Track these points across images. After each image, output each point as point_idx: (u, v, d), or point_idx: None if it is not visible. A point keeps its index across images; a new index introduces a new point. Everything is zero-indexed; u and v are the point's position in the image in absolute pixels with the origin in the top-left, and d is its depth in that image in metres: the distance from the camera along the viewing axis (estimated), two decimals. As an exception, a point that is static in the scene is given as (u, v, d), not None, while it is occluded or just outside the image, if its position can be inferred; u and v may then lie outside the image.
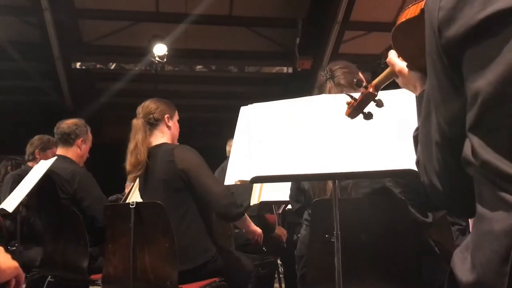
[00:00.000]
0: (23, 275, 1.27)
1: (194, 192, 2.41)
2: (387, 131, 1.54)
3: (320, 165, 1.56)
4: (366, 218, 1.67)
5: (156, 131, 2.57)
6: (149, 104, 2.61)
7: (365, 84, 1.30)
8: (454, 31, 0.71)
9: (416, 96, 1.07)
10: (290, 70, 9.39)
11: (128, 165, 2.49)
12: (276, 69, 9.70)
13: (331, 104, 1.66)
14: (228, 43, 9.22)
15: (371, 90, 1.28)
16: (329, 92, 1.94)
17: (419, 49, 0.91)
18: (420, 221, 1.71)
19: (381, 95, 1.61)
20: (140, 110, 2.61)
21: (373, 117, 1.32)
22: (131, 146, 2.50)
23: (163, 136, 2.57)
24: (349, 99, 1.36)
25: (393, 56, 1.14)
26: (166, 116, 2.59)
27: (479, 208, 0.70)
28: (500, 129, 0.67)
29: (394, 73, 1.17)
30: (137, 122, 2.55)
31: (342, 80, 1.96)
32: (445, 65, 0.75)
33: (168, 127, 2.60)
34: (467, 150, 0.72)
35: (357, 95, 1.35)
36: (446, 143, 0.79)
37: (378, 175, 1.67)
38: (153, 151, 2.50)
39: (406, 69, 1.10)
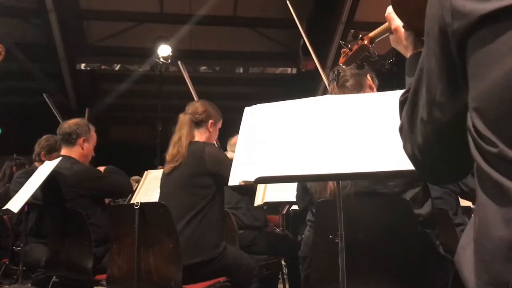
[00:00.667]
0: None
1: (218, 189, 2.51)
2: (392, 131, 1.53)
3: (324, 166, 1.56)
4: (369, 218, 1.67)
5: (197, 131, 2.68)
6: (198, 106, 2.73)
7: (361, 36, 1.32)
8: (466, 17, 0.70)
9: (407, 59, 1.09)
10: (294, 70, 9.39)
11: (168, 155, 2.61)
12: (280, 70, 9.71)
13: (335, 105, 1.65)
14: (232, 44, 9.24)
15: (366, 42, 1.31)
16: (331, 94, 1.94)
17: (417, 12, 0.92)
18: (426, 222, 1.71)
19: (388, 95, 1.61)
20: (188, 107, 2.74)
21: (364, 67, 1.38)
22: (175, 138, 2.62)
23: (200, 137, 2.68)
24: (345, 49, 1.41)
25: (392, 12, 1.14)
26: (210, 121, 2.71)
27: (482, 197, 0.70)
28: (507, 118, 0.66)
29: (390, 29, 1.18)
30: (184, 117, 2.67)
31: (347, 83, 1.95)
32: (449, 49, 0.74)
33: (209, 131, 2.71)
34: (476, 136, 0.71)
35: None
36: (432, 122, 0.81)
37: (383, 176, 1.66)
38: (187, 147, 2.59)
39: (402, 29, 1.12)
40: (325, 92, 2.03)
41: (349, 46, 1.37)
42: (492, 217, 0.67)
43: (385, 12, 1.15)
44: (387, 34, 1.25)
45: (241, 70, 9.80)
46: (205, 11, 7.92)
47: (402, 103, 0.96)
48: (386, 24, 1.23)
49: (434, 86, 0.78)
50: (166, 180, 2.65)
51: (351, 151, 1.56)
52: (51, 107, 3.94)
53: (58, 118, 4.14)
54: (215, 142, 3.03)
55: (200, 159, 2.50)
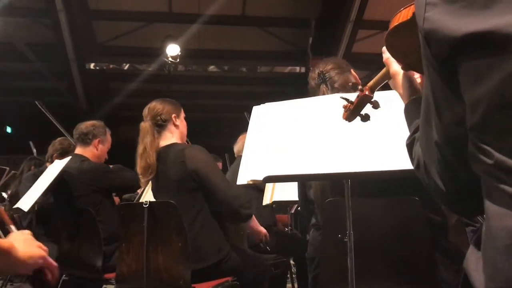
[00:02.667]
0: (52, 263, 1.22)
1: (206, 192, 2.42)
2: (400, 130, 1.52)
3: (332, 165, 1.55)
4: (379, 218, 1.66)
5: (165, 132, 2.57)
6: (155, 106, 2.60)
7: (360, 87, 1.31)
8: (440, 42, 0.72)
9: (404, 106, 1.10)
10: (303, 69, 9.37)
11: (139, 169, 2.50)
12: (288, 69, 9.70)
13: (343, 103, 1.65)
14: (241, 43, 9.24)
15: (367, 92, 1.29)
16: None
17: (412, 50, 0.92)
18: (436, 222, 1.70)
19: (395, 95, 1.60)
20: (146, 112, 2.60)
21: (370, 119, 1.33)
22: (140, 149, 2.51)
23: (172, 136, 2.58)
24: (345, 103, 1.37)
25: (390, 57, 1.16)
26: (173, 115, 2.59)
27: (489, 206, 0.70)
28: (506, 132, 0.67)
29: (389, 75, 1.19)
30: (144, 125, 2.55)
31: (336, 84, 1.94)
32: (438, 71, 0.76)
33: (176, 126, 2.60)
34: (474, 149, 0.72)
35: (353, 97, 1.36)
36: (447, 143, 0.80)
37: (391, 175, 1.65)
38: (164, 152, 2.51)
39: (399, 72, 1.14)
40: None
41: (349, 100, 1.34)
42: (496, 226, 0.68)
43: (394, 11, 1.15)
44: (386, 81, 1.25)
45: (250, 69, 9.80)
46: (213, 11, 7.93)
47: (409, 145, 0.97)
48: (384, 70, 1.23)
49: (439, 105, 0.79)
50: (156, 191, 2.59)
51: (359, 150, 1.56)
52: (47, 114, 3.99)
53: (56, 124, 4.18)
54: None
55: (181, 163, 2.41)
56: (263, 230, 2.94)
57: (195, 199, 2.41)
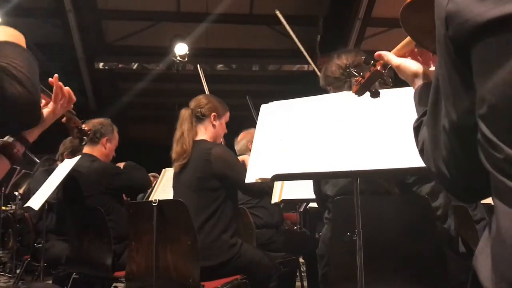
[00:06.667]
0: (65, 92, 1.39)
1: (229, 191, 2.47)
2: (408, 128, 1.52)
3: (341, 163, 1.55)
4: (388, 215, 1.66)
5: (200, 125, 2.60)
6: (201, 99, 2.65)
7: (372, 62, 1.30)
8: (461, 26, 0.70)
9: (414, 92, 1.09)
10: (311, 68, 9.34)
11: (174, 154, 2.54)
12: (296, 67, 9.67)
13: (351, 102, 1.64)
14: (249, 42, 9.24)
15: (379, 68, 1.28)
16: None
17: (427, 29, 0.91)
18: (439, 213, 1.69)
19: (403, 92, 1.59)
20: (192, 102, 2.66)
21: (380, 95, 1.32)
22: (177, 134, 2.55)
23: (205, 132, 2.60)
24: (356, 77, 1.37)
25: (388, 54, 1.19)
26: (213, 114, 2.61)
27: (499, 205, 0.69)
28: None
29: (403, 49, 1.19)
30: (184, 112, 2.60)
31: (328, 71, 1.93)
32: (452, 56, 0.74)
33: (213, 125, 2.62)
34: (483, 141, 0.71)
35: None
36: (454, 129, 0.79)
37: (399, 173, 1.65)
38: (193, 146, 2.53)
39: (401, 62, 1.15)
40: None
41: (361, 73, 1.33)
42: (505, 226, 0.67)
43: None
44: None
45: (258, 68, 9.79)
46: (221, 9, 7.94)
47: (416, 128, 0.96)
48: (399, 46, 1.21)
49: (449, 91, 0.78)
50: (177, 182, 2.62)
51: (367, 148, 1.55)
52: None
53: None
54: (221, 140, 2.89)
55: (207, 161, 2.44)
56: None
57: (214, 197, 2.44)
